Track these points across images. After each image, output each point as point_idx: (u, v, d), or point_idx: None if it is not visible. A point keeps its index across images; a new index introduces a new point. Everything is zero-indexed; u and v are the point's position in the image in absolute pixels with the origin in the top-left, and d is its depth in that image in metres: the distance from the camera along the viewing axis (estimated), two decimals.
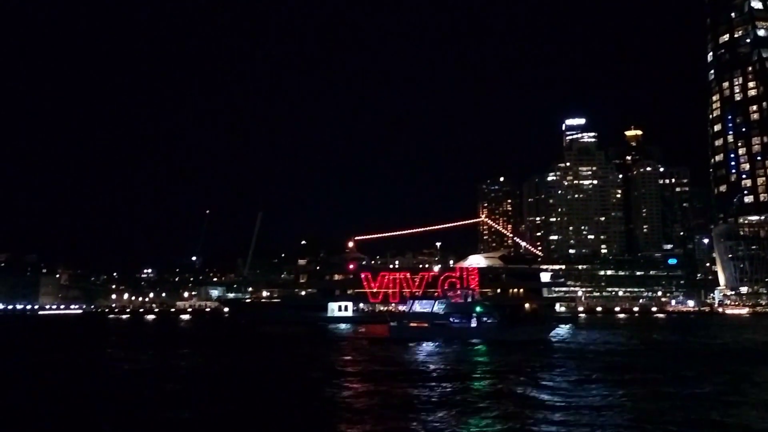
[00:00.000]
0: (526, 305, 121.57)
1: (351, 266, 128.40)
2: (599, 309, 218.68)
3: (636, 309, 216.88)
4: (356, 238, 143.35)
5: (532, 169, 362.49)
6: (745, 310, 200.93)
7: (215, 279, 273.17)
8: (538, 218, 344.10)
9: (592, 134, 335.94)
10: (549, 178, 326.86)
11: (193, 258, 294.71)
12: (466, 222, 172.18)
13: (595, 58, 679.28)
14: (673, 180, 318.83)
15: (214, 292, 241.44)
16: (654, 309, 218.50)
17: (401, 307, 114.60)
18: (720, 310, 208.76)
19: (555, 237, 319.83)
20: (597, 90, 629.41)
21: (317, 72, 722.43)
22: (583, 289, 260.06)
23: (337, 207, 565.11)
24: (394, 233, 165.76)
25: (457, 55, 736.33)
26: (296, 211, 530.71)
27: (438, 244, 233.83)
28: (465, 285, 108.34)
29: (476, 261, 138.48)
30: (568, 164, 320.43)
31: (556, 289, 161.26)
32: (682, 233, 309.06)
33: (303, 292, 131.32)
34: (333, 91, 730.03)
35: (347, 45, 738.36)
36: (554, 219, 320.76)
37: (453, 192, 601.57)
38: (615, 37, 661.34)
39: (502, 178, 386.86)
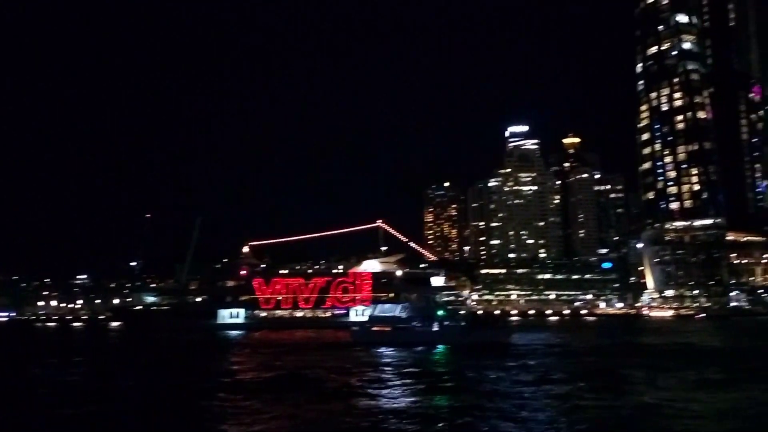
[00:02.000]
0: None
1: (243, 272, 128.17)
2: (531, 312, 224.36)
3: (567, 311, 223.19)
4: (251, 243, 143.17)
5: (478, 175, 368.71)
6: (669, 313, 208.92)
7: (153, 285, 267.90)
8: (481, 223, 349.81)
9: (535, 141, 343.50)
10: (491, 184, 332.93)
11: (133, 263, 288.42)
12: (364, 227, 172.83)
13: (537, 66, 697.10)
14: (609, 186, 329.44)
15: (149, 299, 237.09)
16: (584, 312, 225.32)
17: (324, 314, 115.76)
18: (646, 312, 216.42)
19: (496, 242, 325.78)
20: (539, 98, 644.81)
21: (254, 78, 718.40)
22: (523, 293, 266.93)
23: (283, 211, 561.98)
24: (291, 238, 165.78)
25: (404, 63, 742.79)
26: (243, 216, 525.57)
27: (384, 248, 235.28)
28: (358, 290, 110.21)
29: (371, 266, 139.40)
30: (509, 170, 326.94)
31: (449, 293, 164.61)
32: (616, 238, 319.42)
33: (198, 299, 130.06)
34: (273, 93, 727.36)
35: (274, 54, 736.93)
36: (495, 224, 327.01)
37: (399, 197, 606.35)
38: (555, 47, 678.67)
39: (447, 184, 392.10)
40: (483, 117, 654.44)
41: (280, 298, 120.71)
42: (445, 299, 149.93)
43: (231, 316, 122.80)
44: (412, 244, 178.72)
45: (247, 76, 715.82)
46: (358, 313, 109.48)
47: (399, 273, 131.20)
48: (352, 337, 72.99)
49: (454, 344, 65.39)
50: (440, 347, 64.57)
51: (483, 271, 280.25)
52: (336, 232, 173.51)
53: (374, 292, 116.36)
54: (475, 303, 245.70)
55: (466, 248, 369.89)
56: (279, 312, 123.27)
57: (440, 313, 72.07)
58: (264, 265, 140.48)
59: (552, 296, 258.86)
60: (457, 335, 68.14)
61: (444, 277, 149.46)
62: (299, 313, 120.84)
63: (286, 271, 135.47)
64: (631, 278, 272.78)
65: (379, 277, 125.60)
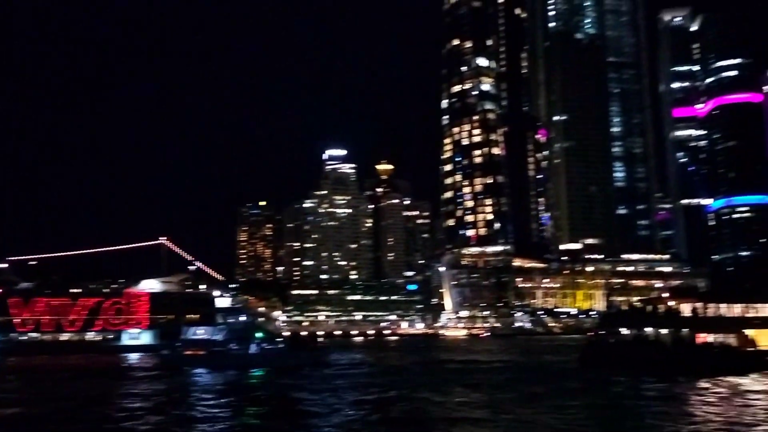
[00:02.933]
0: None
1: None
2: (337, 333, 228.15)
3: (371, 332, 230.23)
4: (10, 258, 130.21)
5: (295, 196, 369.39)
6: (463, 333, 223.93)
7: None
8: (296, 244, 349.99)
9: (351, 165, 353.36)
10: (306, 205, 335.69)
11: None
12: (145, 244, 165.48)
13: (357, 93, 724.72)
14: (417, 212, 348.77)
15: None
16: (387, 332, 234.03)
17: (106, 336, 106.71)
18: (442, 332, 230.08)
19: (309, 263, 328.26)
20: (358, 124, 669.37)
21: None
22: (332, 314, 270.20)
23: (63, 225, 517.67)
24: (64, 254, 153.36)
25: (225, 78, 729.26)
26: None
27: (191, 267, 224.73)
28: (132, 311, 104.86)
29: (150, 285, 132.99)
30: (325, 192, 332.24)
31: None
32: (422, 261, 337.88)
33: None
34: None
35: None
36: (309, 245, 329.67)
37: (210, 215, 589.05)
38: (374, 76, 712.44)
39: (263, 203, 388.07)
40: (304, 138, 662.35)
41: (42, 320, 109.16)
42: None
43: None
44: (198, 264, 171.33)
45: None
46: (132, 337, 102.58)
47: (188, 291, 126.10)
48: (161, 361, 69.62)
49: (273, 367, 64.60)
50: (258, 371, 63.70)
51: (295, 292, 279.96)
52: (114, 248, 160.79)
53: (153, 313, 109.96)
54: (284, 324, 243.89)
55: (280, 268, 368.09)
56: (40, 335, 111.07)
57: (259, 335, 71.04)
58: (29, 284, 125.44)
59: (359, 317, 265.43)
60: (276, 357, 67.46)
61: (230, 298, 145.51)
62: (64, 337, 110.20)
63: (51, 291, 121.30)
64: (434, 300, 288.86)
65: (158, 298, 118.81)
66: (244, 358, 67.05)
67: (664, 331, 61.11)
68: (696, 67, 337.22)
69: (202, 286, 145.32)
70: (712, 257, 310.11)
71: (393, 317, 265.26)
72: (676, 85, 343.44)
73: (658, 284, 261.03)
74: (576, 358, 67.34)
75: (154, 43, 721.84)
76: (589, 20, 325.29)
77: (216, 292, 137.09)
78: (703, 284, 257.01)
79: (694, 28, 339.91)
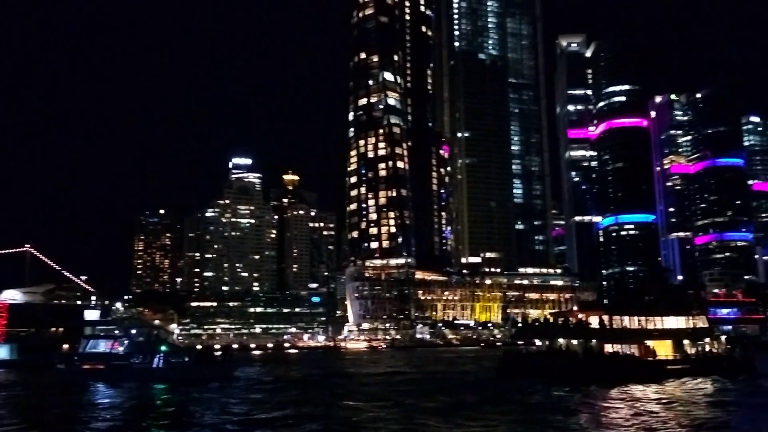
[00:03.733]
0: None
1: None
2: (235, 346, 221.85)
3: (270, 345, 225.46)
4: None
5: (197, 204, 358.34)
6: (363, 345, 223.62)
7: None
8: (197, 254, 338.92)
9: (257, 175, 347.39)
10: (208, 214, 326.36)
11: None
12: (7, 252, 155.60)
13: (266, 103, 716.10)
14: (322, 224, 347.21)
15: None
16: (287, 345, 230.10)
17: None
18: (343, 344, 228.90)
19: (210, 274, 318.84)
20: (266, 134, 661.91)
21: None
22: (233, 326, 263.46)
23: None
24: None
25: (128, 82, 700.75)
26: None
27: (84, 277, 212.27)
28: None
29: (11, 296, 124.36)
30: (227, 201, 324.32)
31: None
32: (326, 273, 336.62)
33: None
34: None
35: None
36: (210, 255, 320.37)
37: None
38: (286, 87, 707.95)
39: (162, 211, 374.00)
40: (210, 147, 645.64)
41: None
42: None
43: None
44: (67, 274, 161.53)
45: None
46: None
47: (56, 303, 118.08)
48: (57, 377, 65.93)
49: (177, 380, 63.23)
50: (161, 385, 62.11)
51: (193, 304, 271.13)
52: None
53: (12, 326, 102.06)
54: (179, 337, 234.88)
55: (179, 279, 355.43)
56: None
57: (163, 348, 69.01)
58: None
59: (260, 329, 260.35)
60: (181, 371, 66.01)
61: (100, 310, 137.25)
62: None
63: None
64: (338, 312, 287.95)
65: (18, 310, 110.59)
66: (148, 372, 65.36)
67: (575, 342, 64.35)
68: (589, 92, 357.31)
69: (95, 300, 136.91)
70: (602, 272, 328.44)
71: (294, 330, 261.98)
72: (571, 107, 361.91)
73: (552, 297, 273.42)
74: (494, 369, 69.58)
75: (52, 40, 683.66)
76: (492, 42, 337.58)
77: (86, 304, 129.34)
78: (592, 297, 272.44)
79: (588, 54, 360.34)
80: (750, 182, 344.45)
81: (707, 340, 68.87)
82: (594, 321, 64.47)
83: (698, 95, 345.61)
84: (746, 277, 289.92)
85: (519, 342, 75.46)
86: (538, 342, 69.22)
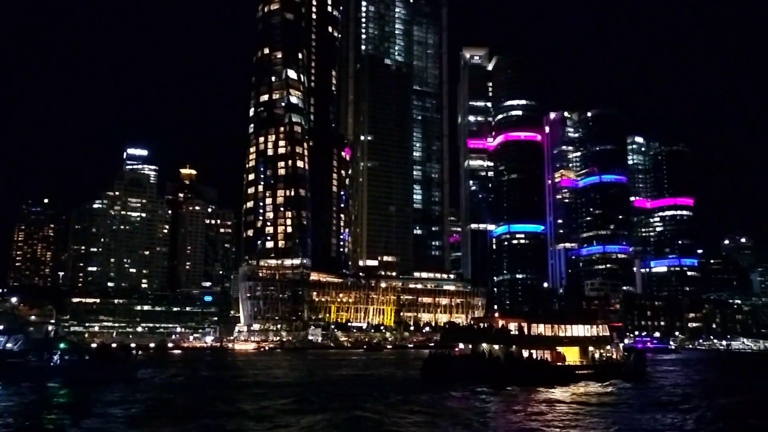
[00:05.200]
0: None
1: None
2: (114, 345, 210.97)
3: (152, 345, 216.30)
4: None
5: (85, 195, 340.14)
6: (251, 346, 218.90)
7: None
8: (82, 247, 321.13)
9: (153, 167, 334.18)
10: (96, 206, 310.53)
11: None
12: None
13: (167, 93, 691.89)
14: (219, 221, 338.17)
15: None
16: (170, 345, 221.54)
17: None
18: (230, 345, 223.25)
19: (95, 268, 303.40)
20: (165, 125, 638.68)
21: None
22: (117, 324, 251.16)
23: None
24: None
25: (20, 63, 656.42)
26: None
27: None
28: None
29: None
30: (117, 193, 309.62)
31: None
32: (221, 272, 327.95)
33: None
34: None
35: None
36: (96, 249, 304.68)
37: None
38: (187, 79, 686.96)
39: (46, 200, 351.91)
40: (103, 135, 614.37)
41: None
42: None
43: None
44: None
45: None
46: None
47: None
48: None
49: (75, 379, 60.24)
50: (58, 384, 59.27)
51: (75, 300, 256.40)
52: None
53: None
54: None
55: (62, 274, 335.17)
56: None
57: (62, 345, 64.98)
58: None
59: (146, 328, 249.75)
60: (79, 370, 62.65)
61: None
62: None
63: None
64: (231, 312, 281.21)
65: None
66: (45, 371, 61.54)
67: (496, 346, 67.16)
68: (489, 104, 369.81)
69: None
70: (494, 278, 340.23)
71: (180, 330, 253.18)
72: (472, 118, 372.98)
73: (444, 301, 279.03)
74: (419, 371, 70.75)
75: None
76: (398, 48, 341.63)
77: None
78: (482, 302, 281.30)
79: (489, 67, 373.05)
80: (632, 198, 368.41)
81: (608, 347, 73.77)
82: (513, 327, 67.87)
83: (588, 114, 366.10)
84: (624, 288, 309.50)
85: (443, 346, 77.52)
86: (461, 345, 71.80)
